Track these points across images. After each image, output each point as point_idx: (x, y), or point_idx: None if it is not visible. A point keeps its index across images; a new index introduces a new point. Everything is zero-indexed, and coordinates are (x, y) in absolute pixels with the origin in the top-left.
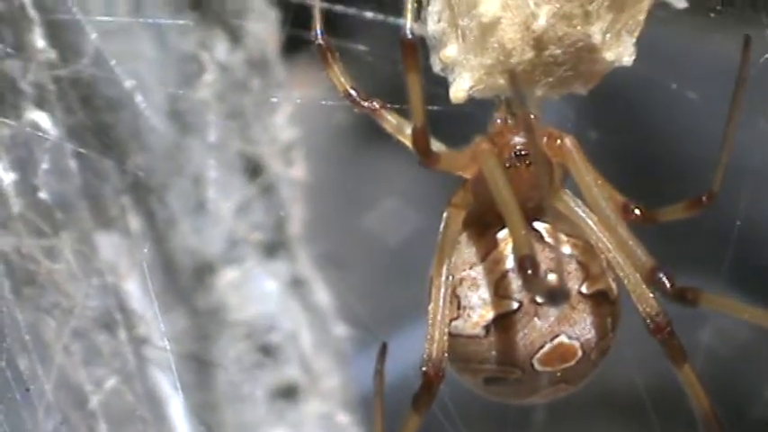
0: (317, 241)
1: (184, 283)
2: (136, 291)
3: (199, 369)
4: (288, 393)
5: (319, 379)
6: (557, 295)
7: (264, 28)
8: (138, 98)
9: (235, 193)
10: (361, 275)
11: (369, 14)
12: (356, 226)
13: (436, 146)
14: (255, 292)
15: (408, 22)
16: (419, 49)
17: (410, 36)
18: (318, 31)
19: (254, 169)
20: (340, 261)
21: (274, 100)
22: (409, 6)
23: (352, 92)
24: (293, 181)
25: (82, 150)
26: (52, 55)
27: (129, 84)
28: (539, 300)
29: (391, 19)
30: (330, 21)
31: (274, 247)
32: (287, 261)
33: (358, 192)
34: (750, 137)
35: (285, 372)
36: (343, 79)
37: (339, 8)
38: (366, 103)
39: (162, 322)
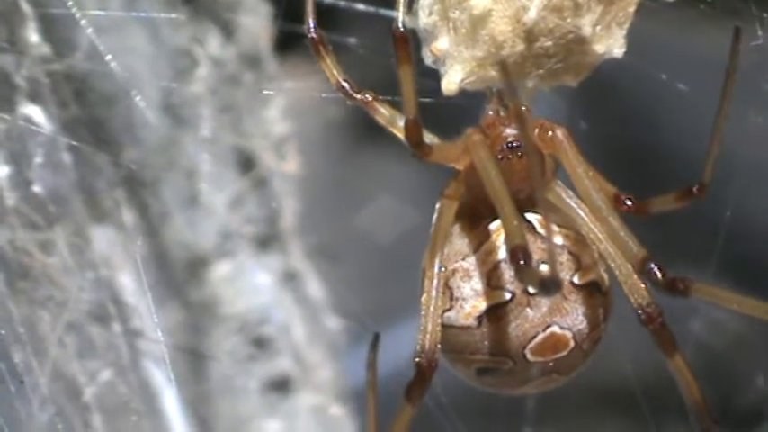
0: (309, 234)
1: (178, 276)
2: (129, 284)
3: (192, 361)
4: (281, 386)
5: (312, 371)
6: (549, 285)
7: (257, 22)
8: (132, 92)
9: (228, 187)
10: (354, 268)
11: (360, 6)
12: (349, 219)
13: (429, 138)
14: (248, 285)
15: (400, 15)
16: (411, 41)
17: (402, 29)
18: (311, 25)
19: (246, 163)
20: (333, 254)
21: (269, 92)
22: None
23: (345, 84)
24: (286, 175)
25: (75, 144)
26: (46, 49)
27: (122, 78)
28: (531, 290)
29: (382, 11)
30: (322, 14)
31: (267, 241)
32: (280, 254)
33: (351, 186)
34: (740, 128)
35: (278, 364)
36: (335, 71)
37: (330, 1)
38: (359, 96)
39: (155, 315)
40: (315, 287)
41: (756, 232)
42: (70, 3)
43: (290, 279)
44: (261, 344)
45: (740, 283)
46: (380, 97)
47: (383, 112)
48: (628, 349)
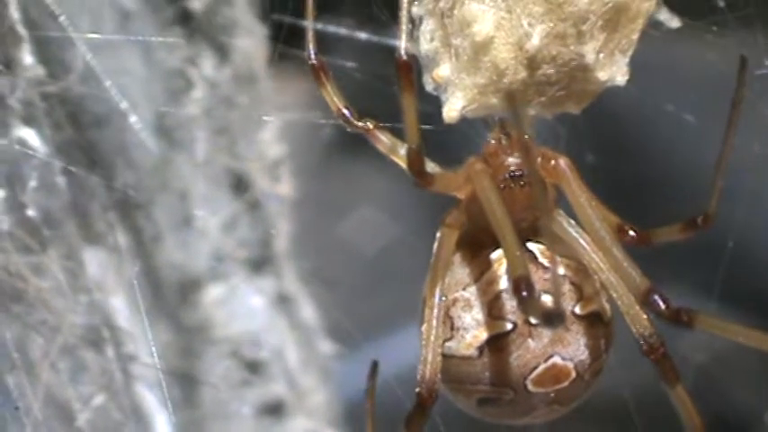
0: (303, 257)
1: (171, 299)
2: (123, 307)
3: (185, 386)
4: (274, 410)
5: (305, 396)
6: (552, 317)
7: (252, 44)
8: (126, 114)
9: (221, 209)
10: (347, 290)
11: (362, 35)
12: (343, 241)
13: (430, 166)
14: (242, 308)
15: (402, 42)
16: (414, 69)
17: (405, 56)
18: (311, 51)
19: (240, 185)
20: (327, 277)
21: (265, 119)
22: (403, 26)
23: (346, 111)
24: (280, 197)
25: (70, 168)
26: (40, 71)
27: (116, 100)
28: (533, 321)
29: (384, 39)
30: (322, 37)
31: (261, 264)
32: (273, 277)
33: (345, 207)
34: (743, 157)
35: (271, 388)
36: (336, 99)
37: (332, 29)
38: (360, 123)
39: (149, 339)
40: (308, 311)
41: (759, 261)
42: (62, 19)
43: (283, 302)
44: (254, 368)
45: (743, 312)
46: (381, 125)
47: (384, 141)
48: (620, 364)
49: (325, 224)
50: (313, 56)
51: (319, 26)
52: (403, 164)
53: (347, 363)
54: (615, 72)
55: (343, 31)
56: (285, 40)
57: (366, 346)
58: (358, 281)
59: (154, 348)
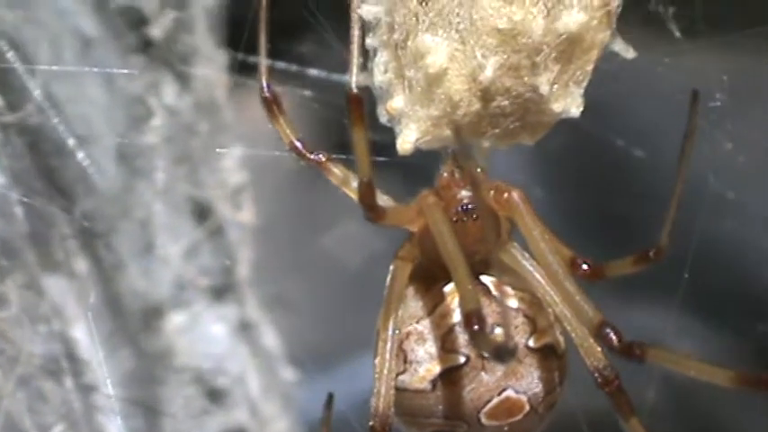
0: (265, 284)
1: (132, 326)
2: (83, 336)
3: (146, 415)
4: None
5: (267, 423)
6: (503, 352)
7: (213, 71)
8: (86, 142)
9: (183, 237)
10: (309, 317)
11: (313, 71)
12: (304, 268)
13: (383, 199)
14: (204, 335)
15: (354, 76)
16: (364, 103)
17: (355, 90)
18: (264, 84)
19: (202, 213)
20: (288, 303)
21: (222, 151)
22: (354, 60)
23: (298, 144)
24: (241, 224)
25: (26, 200)
26: None
27: (76, 128)
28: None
29: (335, 76)
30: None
31: (222, 291)
32: (235, 304)
33: (306, 234)
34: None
35: (233, 416)
36: (288, 131)
37: (281, 65)
38: (312, 156)
39: (109, 368)
40: (270, 338)
41: (721, 265)
42: (23, 54)
43: (245, 329)
44: (216, 396)
45: (704, 318)
46: (335, 156)
47: (337, 173)
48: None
49: (287, 250)
50: (265, 88)
51: (269, 61)
52: (355, 196)
53: (310, 389)
54: (570, 104)
55: (294, 67)
56: (245, 67)
57: (329, 371)
58: (324, 305)
59: (112, 376)
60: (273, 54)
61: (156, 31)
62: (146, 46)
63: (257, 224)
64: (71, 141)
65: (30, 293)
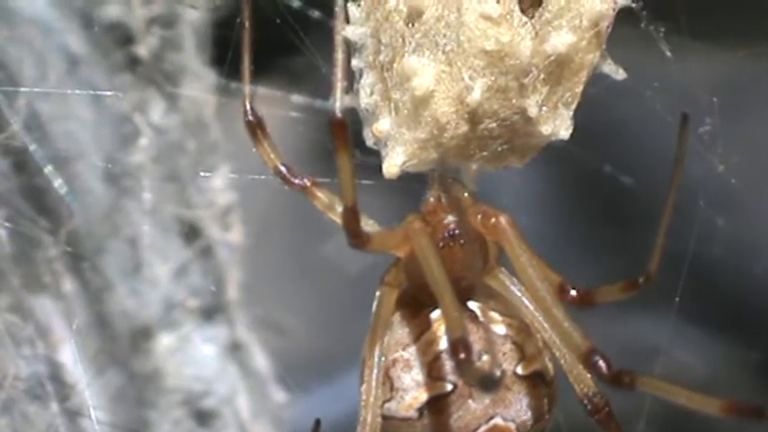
0: (254, 304)
1: (121, 347)
2: (69, 359)
3: None
4: None
5: None
6: (489, 382)
7: (200, 90)
8: (74, 162)
9: (171, 257)
10: (298, 337)
11: (296, 97)
12: (294, 287)
13: (369, 224)
14: (193, 356)
15: (338, 101)
16: (348, 128)
17: (339, 114)
18: (248, 108)
19: (191, 233)
20: (278, 325)
21: (207, 174)
22: (338, 85)
23: (283, 168)
24: (230, 244)
25: (8, 225)
26: None
27: (63, 147)
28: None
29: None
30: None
31: (211, 312)
32: (225, 325)
33: (295, 254)
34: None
35: None
36: (273, 155)
37: (263, 91)
38: (296, 181)
39: (96, 390)
40: (260, 359)
41: (718, 274)
42: (9, 74)
43: (234, 350)
44: (205, 418)
45: (703, 326)
46: (320, 180)
47: (321, 198)
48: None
49: (277, 271)
50: (249, 112)
51: (254, 86)
52: (340, 221)
53: (299, 410)
54: (559, 126)
55: (276, 93)
56: (233, 86)
57: (319, 392)
58: (314, 324)
59: (99, 397)
60: (260, 74)
61: (144, 49)
62: (133, 64)
63: (246, 244)
64: (59, 160)
65: (15, 317)
